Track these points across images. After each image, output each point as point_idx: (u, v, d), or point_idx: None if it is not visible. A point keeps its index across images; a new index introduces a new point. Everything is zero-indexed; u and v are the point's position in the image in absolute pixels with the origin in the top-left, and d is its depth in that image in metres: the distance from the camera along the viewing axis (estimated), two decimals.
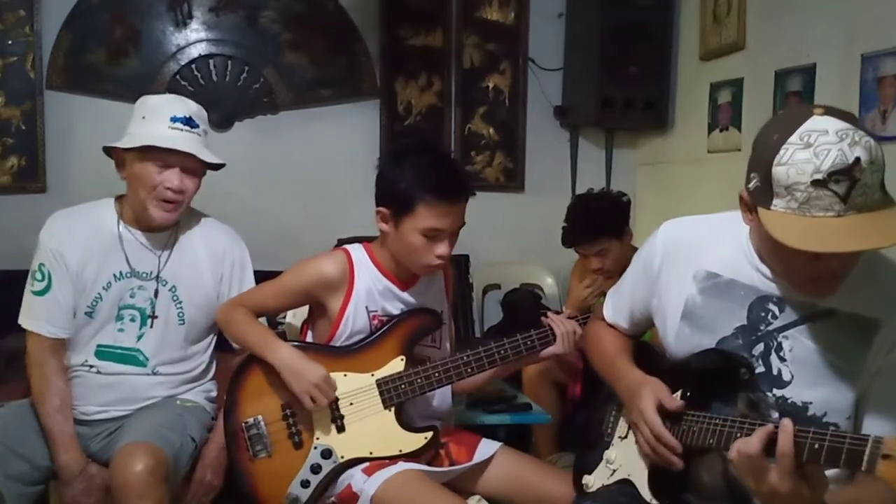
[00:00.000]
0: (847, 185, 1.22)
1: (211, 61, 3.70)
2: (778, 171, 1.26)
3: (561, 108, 4.00)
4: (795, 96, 2.85)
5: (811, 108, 1.29)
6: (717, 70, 3.41)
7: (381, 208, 1.91)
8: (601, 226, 2.78)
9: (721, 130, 3.36)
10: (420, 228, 1.86)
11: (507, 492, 2.00)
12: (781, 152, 1.26)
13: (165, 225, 2.09)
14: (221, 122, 3.72)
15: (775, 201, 1.29)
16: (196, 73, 3.69)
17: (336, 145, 3.84)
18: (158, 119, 2.02)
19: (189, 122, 2.04)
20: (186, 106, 2.07)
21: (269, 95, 3.77)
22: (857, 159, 1.22)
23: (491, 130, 4.00)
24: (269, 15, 3.73)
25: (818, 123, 1.25)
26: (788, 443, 1.19)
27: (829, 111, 1.27)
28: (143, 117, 2.04)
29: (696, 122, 3.54)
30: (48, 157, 3.59)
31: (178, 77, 3.66)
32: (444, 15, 3.90)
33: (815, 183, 1.23)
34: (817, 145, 1.23)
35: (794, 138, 1.26)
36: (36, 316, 2.05)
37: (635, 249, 1.76)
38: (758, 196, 1.32)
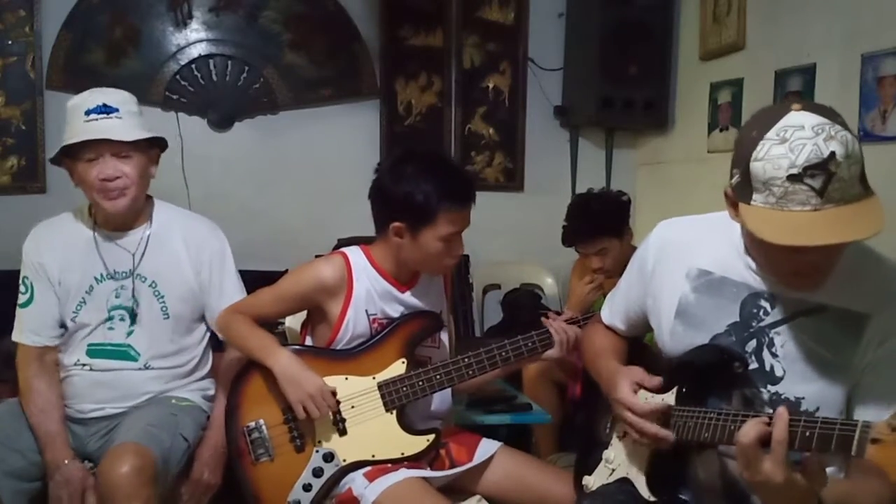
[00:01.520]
0: (823, 179, 1.23)
1: (211, 61, 3.70)
2: (755, 167, 1.28)
3: (561, 108, 4.00)
4: (795, 96, 2.85)
5: (789, 103, 1.30)
6: (717, 70, 3.41)
7: (395, 224, 1.90)
8: (601, 225, 2.78)
9: (721, 130, 3.36)
10: (441, 236, 1.88)
11: (508, 491, 2.01)
12: (759, 148, 1.28)
13: (124, 216, 2.08)
14: (221, 122, 3.73)
15: (755, 196, 1.30)
16: (196, 73, 3.69)
17: (336, 145, 3.84)
18: (75, 118, 2.01)
19: (104, 109, 2.02)
20: (102, 94, 2.05)
21: (269, 95, 3.77)
22: (833, 153, 1.23)
23: (491, 130, 4.00)
24: (269, 15, 3.73)
25: (795, 119, 1.27)
26: (783, 430, 1.20)
27: (807, 106, 1.29)
28: (66, 122, 2.03)
29: (696, 122, 3.54)
30: (48, 157, 3.59)
31: (178, 77, 3.66)
32: (444, 15, 3.90)
33: (791, 177, 1.24)
34: (793, 140, 1.25)
35: (771, 134, 1.27)
36: (21, 328, 2.09)
37: (635, 249, 1.76)
38: (739, 192, 1.34)
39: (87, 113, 2.01)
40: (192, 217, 2.22)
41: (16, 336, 2.10)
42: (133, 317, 2.09)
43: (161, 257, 2.12)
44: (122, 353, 2.08)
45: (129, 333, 2.09)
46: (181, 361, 2.15)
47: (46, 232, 2.13)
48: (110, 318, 2.08)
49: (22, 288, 2.09)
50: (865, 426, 1.13)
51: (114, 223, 2.10)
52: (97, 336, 2.08)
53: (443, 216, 1.87)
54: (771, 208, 1.28)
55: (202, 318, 2.18)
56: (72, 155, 2.01)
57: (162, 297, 2.11)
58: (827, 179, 1.23)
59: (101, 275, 2.08)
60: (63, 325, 2.09)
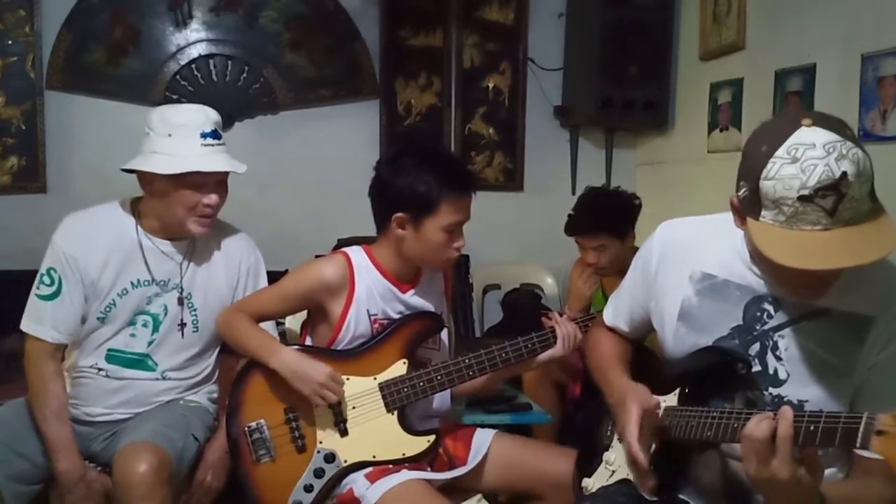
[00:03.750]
0: (834, 199, 1.23)
1: (211, 61, 3.70)
2: (765, 186, 1.27)
3: (561, 108, 4.00)
4: (795, 96, 2.85)
5: (800, 117, 1.28)
6: (717, 70, 3.41)
7: (398, 214, 1.91)
8: (604, 222, 2.76)
9: (721, 130, 3.36)
10: (444, 225, 1.89)
11: (509, 478, 2.02)
12: (769, 166, 1.27)
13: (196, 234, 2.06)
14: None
15: (763, 213, 1.30)
16: (196, 73, 3.69)
17: (336, 145, 3.84)
18: (187, 137, 1.96)
19: (216, 135, 2.00)
20: (208, 116, 2.01)
21: (269, 95, 3.77)
22: (844, 174, 1.22)
23: (491, 130, 4.00)
24: (269, 15, 3.73)
25: (806, 136, 1.25)
26: (788, 428, 1.21)
27: (818, 121, 1.27)
28: (170, 135, 1.97)
29: (696, 122, 3.54)
30: (48, 157, 3.59)
31: (178, 77, 3.66)
32: (444, 15, 3.90)
33: (802, 198, 1.24)
34: (804, 160, 1.24)
35: (781, 152, 1.26)
36: (41, 321, 2.02)
37: (636, 251, 1.76)
38: (747, 206, 1.34)
39: (204, 136, 1.97)
40: (229, 231, 2.18)
41: (32, 329, 2.02)
42: (157, 326, 2.06)
43: (200, 270, 2.10)
44: (140, 362, 2.06)
45: (151, 343, 2.06)
46: (195, 372, 2.14)
47: (85, 226, 2.05)
48: (133, 324, 2.05)
49: (46, 279, 2.01)
50: (871, 418, 1.13)
51: (164, 230, 2.05)
52: (118, 342, 2.05)
53: (445, 205, 1.88)
54: (780, 226, 1.28)
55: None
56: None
57: (195, 310, 2.09)
58: (838, 200, 1.23)
59: (140, 280, 2.04)
60: (83, 322, 2.04)
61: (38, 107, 3.55)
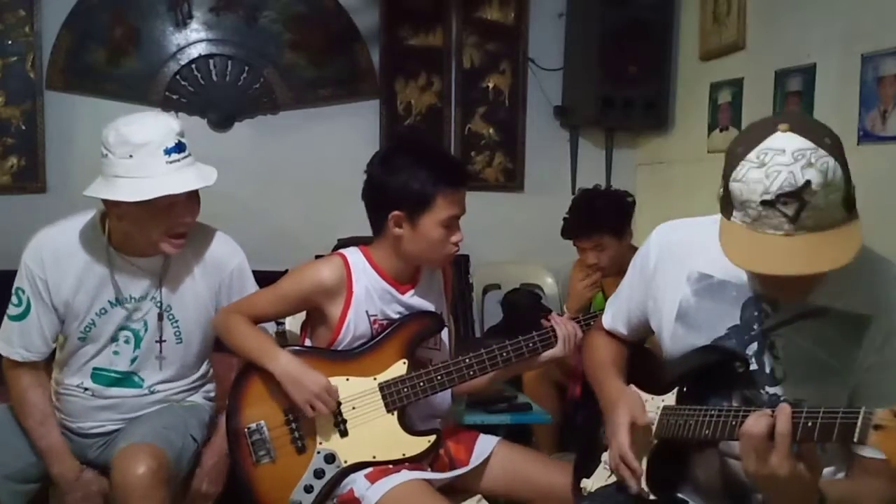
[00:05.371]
0: (796, 206, 1.23)
1: (211, 61, 3.71)
2: (734, 187, 1.29)
3: (561, 108, 4.00)
4: (795, 96, 2.85)
5: (778, 122, 1.28)
6: (717, 70, 3.41)
7: (394, 213, 1.90)
8: (601, 222, 2.77)
9: (721, 130, 3.37)
10: (440, 220, 1.89)
11: (509, 486, 2.01)
12: (739, 168, 1.28)
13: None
14: (221, 122, 3.73)
15: (735, 213, 1.32)
16: (196, 73, 3.70)
17: (336, 145, 3.84)
18: (150, 156, 1.84)
19: (180, 147, 1.89)
20: (170, 128, 1.89)
21: (269, 95, 3.77)
22: (808, 182, 1.22)
23: (491, 130, 4.00)
24: (269, 15, 3.74)
25: (777, 142, 1.26)
26: (786, 423, 1.21)
27: (795, 127, 1.27)
28: (131, 156, 1.84)
29: (696, 122, 3.54)
30: (48, 157, 3.60)
31: (178, 77, 3.67)
32: (444, 15, 3.91)
33: (765, 203, 1.25)
34: (770, 165, 1.25)
35: (751, 155, 1.27)
36: (10, 342, 1.99)
37: (635, 249, 1.76)
38: (723, 205, 1.36)
39: (168, 153, 1.85)
40: (206, 234, 2.08)
41: (3, 348, 2.00)
42: (139, 342, 2.02)
43: (178, 281, 2.03)
44: (126, 380, 2.03)
45: (134, 360, 2.02)
46: (185, 382, 2.11)
47: (56, 247, 1.97)
48: (115, 340, 2.02)
49: (14, 300, 1.97)
50: (868, 413, 1.13)
51: (136, 249, 1.98)
52: (102, 360, 2.02)
53: (440, 199, 1.88)
54: (746, 227, 1.30)
55: (213, 342, 2.12)
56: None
57: (176, 321, 2.04)
58: (800, 207, 1.23)
59: (117, 298, 1.99)
60: (55, 340, 2.02)
61: (38, 107, 3.56)
